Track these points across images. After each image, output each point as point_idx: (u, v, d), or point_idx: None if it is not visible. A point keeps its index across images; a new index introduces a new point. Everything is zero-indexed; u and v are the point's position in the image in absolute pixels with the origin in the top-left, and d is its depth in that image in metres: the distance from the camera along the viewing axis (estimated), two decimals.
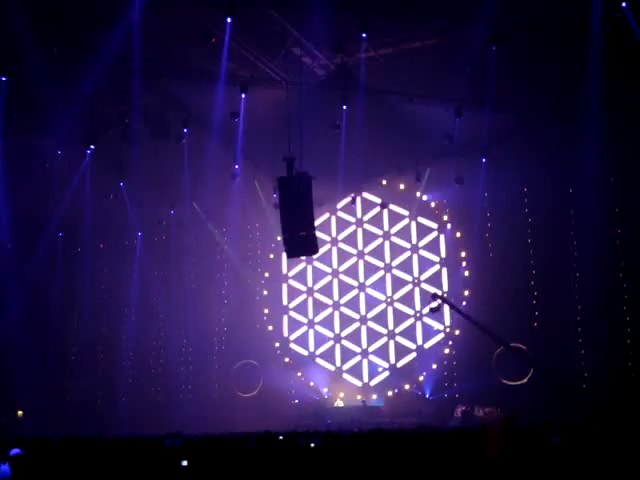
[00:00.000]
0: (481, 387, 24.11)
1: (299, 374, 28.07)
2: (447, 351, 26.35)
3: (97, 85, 19.92)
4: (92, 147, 22.43)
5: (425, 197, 27.31)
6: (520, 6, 18.32)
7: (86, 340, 29.35)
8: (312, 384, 27.72)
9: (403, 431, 13.90)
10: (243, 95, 21.60)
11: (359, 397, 27.01)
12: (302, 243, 18.70)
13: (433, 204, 27.40)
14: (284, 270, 29.34)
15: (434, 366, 26.29)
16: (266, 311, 28.95)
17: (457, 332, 26.09)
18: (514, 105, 22.59)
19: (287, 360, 28.40)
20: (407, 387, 26.54)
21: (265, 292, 29.08)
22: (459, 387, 25.41)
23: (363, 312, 28.13)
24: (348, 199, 27.71)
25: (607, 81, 19.72)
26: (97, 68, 19.23)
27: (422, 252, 27.70)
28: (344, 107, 22.19)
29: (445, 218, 27.23)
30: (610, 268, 23.83)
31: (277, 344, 28.68)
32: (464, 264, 26.46)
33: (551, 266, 25.23)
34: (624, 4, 17.57)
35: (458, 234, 26.85)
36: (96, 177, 25.17)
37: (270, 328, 28.82)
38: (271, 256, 29.28)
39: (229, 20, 18.53)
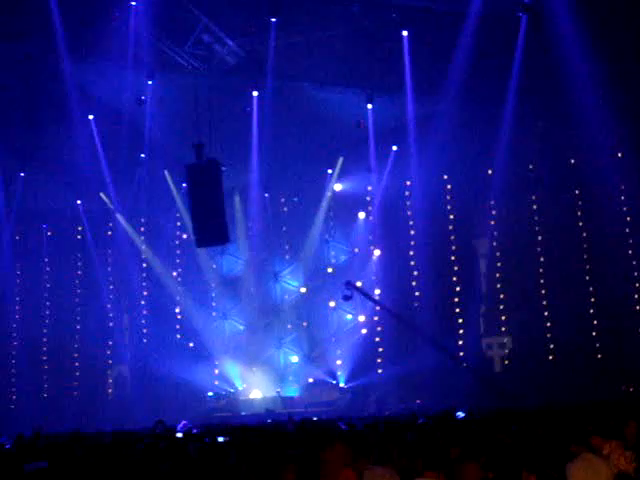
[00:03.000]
0: (397, 374, 24.17)
1: (215, 368, 27.63)
2: (361, 339, 26.29)
3: None
4: None
5: (338, 186, 27.14)
6: None
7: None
8: (226, 376, 27.32)
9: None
10: (150, 82, 21.01)
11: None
12: (212, 232, 18.31)
13: (346, 192, 27.26)
14: (198, 260, 28.71)
15: (348, 355, 26.23)
16: (178, 305, 28.32)
17: (362, 318, 26.04)
18: (428, 91, 22.59)
19: (202, 353, 27.89)
20: (322, 375, 26.41)
21: (178, 286, 28.47)
22: (374, 375, 25.43)
23: (277, 302, 27.87)
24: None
25: (525, 64, 19.94)
26: None
27: (335, 241, 27.58)
28: (254, 94, 21.84)
29: (359, 207, 27.13)
30: (529, 247, 24.33)
31: (190, 336, 28.10)
32: (378, 252, 26.44)
33: (469, 252, 25.56)
34: None
35: (372, 222, 26.79)
36: None
37: (182, 319, 28.23)
38: (177, 250, 28.65)
39: (134, 3, 17.95)
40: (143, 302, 28.66)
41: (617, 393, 20.50)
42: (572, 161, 24.00)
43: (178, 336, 28.09)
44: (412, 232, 26.09)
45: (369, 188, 26.56)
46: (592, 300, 23.82)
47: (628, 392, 21.07)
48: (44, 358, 28.95)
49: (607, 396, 17.89)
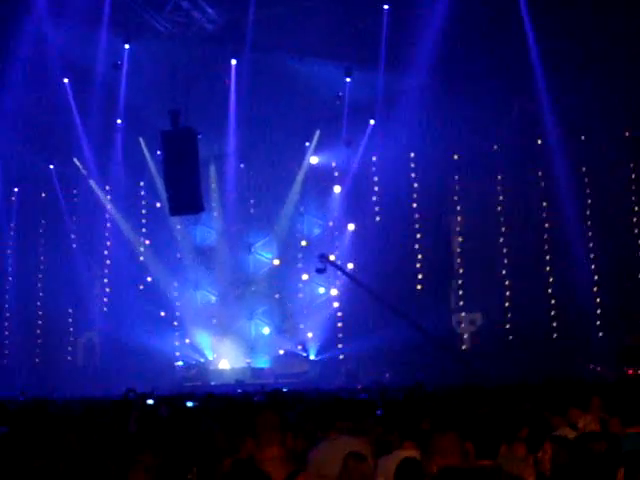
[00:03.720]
0: (367, 348, 24.29)
1: (186, 337, 27.58)
2: (333, 312, 26.36)
3: None
4: None
5: (314, 159, 27.04)
6: None
7: None
8: (196, 345, 27.30)
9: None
10: (127, 46, 20.72)
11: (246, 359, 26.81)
12: (186, 200, 18.15)
13: (322, 165, 27.18)
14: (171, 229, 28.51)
15: (319, 327, 26.30)
16: (150, 274, 28.16)
17: (334, 292, 26.11)
18: (405, 68, 22.52)
19: (172, 322, 27.83)
20: (293, 348, 26.46)
21: (150, 255, 28.27)
22: (345, 348, 25.55)
23: (250, 273, 27.83)
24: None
25: (494, 46, 19.96)
26: None
27: (310, 214, 27.54)
28: (233, 62, 21.63)
29: (334, 180, 27.07)
30: (494, 227, 24.66)
31: (161, 306, 27.99)
32: (352, 227, 26.45)
33: (435, 230, 25.70)
34: None
35: (345, 196, 26.76)
36: None
37: (153, 288, 28.07)
38: (150, 218, 28.44)
39: None
40: (114, 270, 28.48)
41: (580, 372, 20.80)
42: (539, 141, 24.18)
43: (149, 305, 27.93)
44: (377, 208, 26.16)
45: (344, 162, 26.49)
46: (550, 280, 24.17)
47: (595, 371, 21.36)
48: (6, 324, 28.72)
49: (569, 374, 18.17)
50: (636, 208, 24.04)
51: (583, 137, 23.46)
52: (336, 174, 26.85)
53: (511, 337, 24.19)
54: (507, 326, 24.41)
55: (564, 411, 7.10)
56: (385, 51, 21.01)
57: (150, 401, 9.83)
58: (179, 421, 6.95)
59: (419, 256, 25.65)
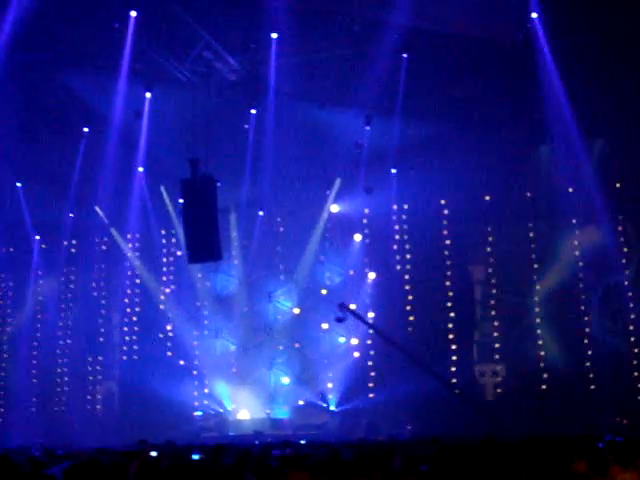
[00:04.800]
0: (389, 400, 23.89)
1: (205, 387, 27.28)
2: (353, 362, 25.99)
3: None
4: None
5: (335, 207, 26.94)
6: (433, 15, 18.23)
7: None
8: (215, 395, 26.98)
9: None
10: (148, 94, 20.85)
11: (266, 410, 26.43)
12: (205, 248, 18.05)
13: (343, 214, 27.06)
14: (191, 278, 28.41)
15: (340, 378, 25.92)
16: (169, 322, 28.01)
17: (354, 341, 25.77)
18: (426, 115, 22.50)
19: (192, 371, 27.57)
20: (313, 398, 26.08)
21: (170, 304, 28.14)
22: (365, 399, 25.13)
23: (270, 322, 27.58)
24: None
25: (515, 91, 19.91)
26: None
27: (330, 262, 27.35)
28: (253, 111, 21.70)
29: (355, 229, 26.92)
30: (524, 273, 24.17)
31: (181, 354, 27.76)
32: (373, 275, 26.22)
33: (464, 277, 25.41)
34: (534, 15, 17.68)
35: (367, 245, 26.60)
36: None
37: (172, 337, 27.90)
38: (171, 267, 28.37)
39: (134, 14, 17.81)
40: (134, 318, 28.37)
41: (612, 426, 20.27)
42: (570, 190, 23.90)
43: (169, 354, 27.72)
44: (408, 256, 25.93)
45: (366, 210, 26.42)
46: (587, 330, 23.67)
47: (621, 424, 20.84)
48: (33, 372, 28.68)
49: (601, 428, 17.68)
50: None
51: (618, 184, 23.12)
52: (359, 222, 26.71)
53: (543, 387, 23.69)
54: (543, 375, 23.84)
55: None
56: (402, 98, 21.00)
57: (153, 453, 9.56)
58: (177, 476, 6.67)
59: (448, 304, 25.27)
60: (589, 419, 20.36)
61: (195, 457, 9.40)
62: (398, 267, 25.89)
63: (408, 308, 25.57)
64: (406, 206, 25.91)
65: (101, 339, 28.12)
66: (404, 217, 26.20)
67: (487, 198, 24.74)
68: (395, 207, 25.99)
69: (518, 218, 24.47)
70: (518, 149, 22.55)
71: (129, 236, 28.12)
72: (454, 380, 24.13)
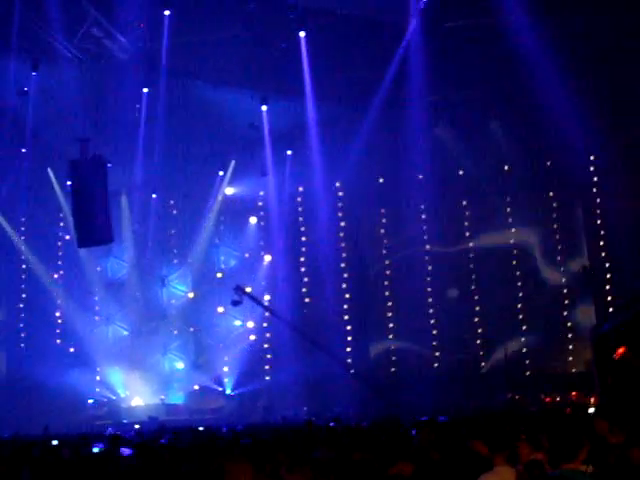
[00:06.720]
0: (285, 382, 23.89)
1: (97, 374, 26.59)
2: (250, 345, 25.90)
3: None
4: None
5: (230, 189, 26.64)
6: None
7: None
8: (108, 382, 26.35)
9: None
10: (34, 73, 20.02)
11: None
12: (95, 231, 17.46)
13: (238, 196, 26.81)
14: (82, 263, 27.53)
15: (236, 361, 25.78)
16: (59, 308, 27.13)
17: (251, 324, 25.69)
18: (324, 95, 22.42)
19: (83, 358, 26.80)
20: (208, 382, 25.84)
21: (59, 289, 27.25)
22: (262, 382, 25.09)
23: (164, 306, 27.12)
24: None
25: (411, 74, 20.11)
26: None
27: (225, 245, 27.10)
28: (145, 90, 21.16)
29: (250, 211, 26.73)
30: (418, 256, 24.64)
31: (71, 341, 26.95)
32: (269, 258, 26.13)
33: (360, 259, 25.63)
34: None
35: (264, 227, 26.47)
36: None
37: (62, 323, 27.05)
38: (59, 251, 27.45)
39: None
40: (21, 305, 27.34)
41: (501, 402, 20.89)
42: (460, 172, 24.45)
43: (58, 341, 26.90)
44: (303, 238, 25.94)
45: (261, 193, 26.26)
46: (477, 309, 24.33)
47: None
48: None
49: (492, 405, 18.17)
50: None
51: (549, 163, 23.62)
52: (255, 204, 26.52)
53: (435, 365, 24.19)
54: (436, 354, 24.31)
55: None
56: (307, 79, 20.85)
57: (55, 442, 9.20)
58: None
59: (344, 285, 25.40)
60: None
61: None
62: (294, 249, 25.86)
63: (304, 290, 25.62)
64: (301, 188, 25.87)
65: None
66: (299, 199, 26.18)
67: (381, 180, 24.98)
68: (292, 189, 25.89)
69: (409, 199, 24.75)
70: (412, 131, 22.77)
71: (14, 219, 26.98)
72: (349, 360, 24.34)
